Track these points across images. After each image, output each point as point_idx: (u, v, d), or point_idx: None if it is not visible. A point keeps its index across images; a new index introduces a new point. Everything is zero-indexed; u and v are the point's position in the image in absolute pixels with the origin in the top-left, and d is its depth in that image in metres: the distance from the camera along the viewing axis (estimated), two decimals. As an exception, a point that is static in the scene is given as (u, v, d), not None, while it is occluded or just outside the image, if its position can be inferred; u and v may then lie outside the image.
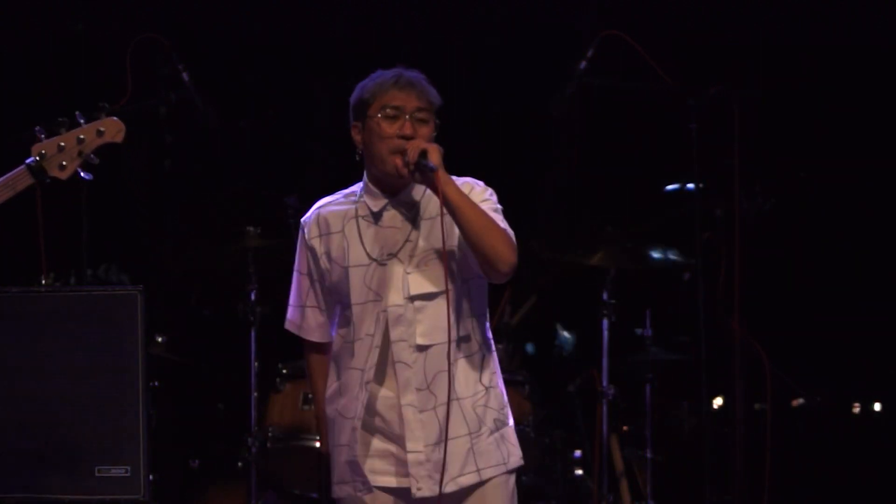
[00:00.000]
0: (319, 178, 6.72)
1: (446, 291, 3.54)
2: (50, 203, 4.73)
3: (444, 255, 3.55)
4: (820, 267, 6.71)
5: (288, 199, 5.56)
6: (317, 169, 6.90)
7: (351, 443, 3.60)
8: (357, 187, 3.71)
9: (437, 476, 3.54)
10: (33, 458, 4.09)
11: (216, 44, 6.62)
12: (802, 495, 6.34)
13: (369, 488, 3.60)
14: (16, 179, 3.37)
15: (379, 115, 3.58)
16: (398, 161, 3.54)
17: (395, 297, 3.58)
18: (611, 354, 5.94)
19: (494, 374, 3.70)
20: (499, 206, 3.63)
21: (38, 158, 3.37)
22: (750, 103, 5.27)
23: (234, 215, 6.15)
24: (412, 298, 3.58)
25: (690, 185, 5.42)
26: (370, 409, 3.60)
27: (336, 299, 3.70)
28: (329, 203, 3.73)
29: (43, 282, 4.79)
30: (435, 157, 3.49)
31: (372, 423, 3.61)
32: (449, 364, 3.55)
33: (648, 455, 6.01)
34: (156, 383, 5.65)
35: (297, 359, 4.98)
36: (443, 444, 3.54)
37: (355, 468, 3.60)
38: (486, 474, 3.62)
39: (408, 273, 3.59)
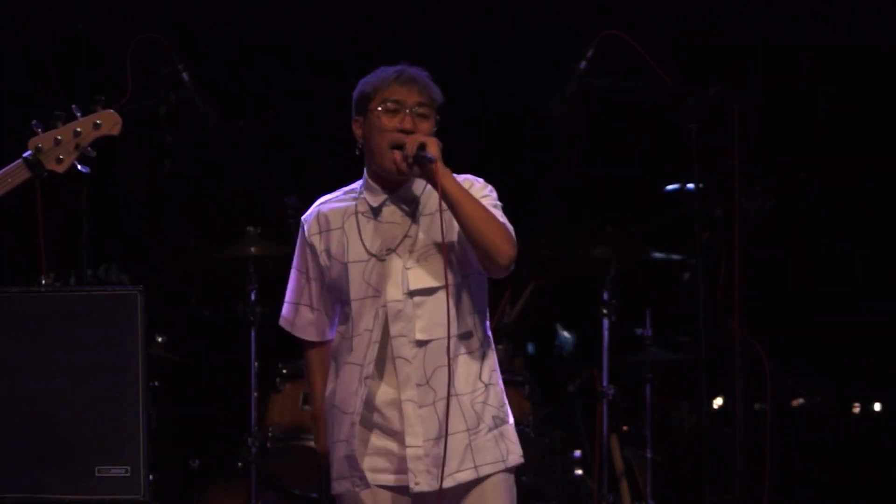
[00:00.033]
0: (319, 178, 6.72)
1: (445, 285, 3.54)
2: (50, 203, 4.74)
3: (444, 248, 3.55)
4: (820, 267, 6.71)
5: (288, 199, 5.55)
6: (317, 169, 6.91)
7: (349, 438, 3.60)
8: (358, 184, 3.71)
9: (435, 471, 3.54)
10: (33, 458, 4.08)
11: (216, 44, 6.62)
12: (802, 495, 6.34)
13: (367, 483, 3.60)
14: (13, 173, 3.36)
15: (379, 109, 3.58)
16: (397, 156, 3.54)
17: (394, 293, 3.58)
18: (611, 354, 5.94)
19: (494, 371, 3.69)
20: (499, 203, 3.63)
21: (34, 152, 3.37)
22: (750, 103, 5.27)
23: (234, 215, 6.16)
24: (412, 294, 3.58)
25: (690, 185, 5.42)
26: (369, 404, 3.60)
27: (336, 297, 3.70)
28: (329, 200, 3.73)
29: (43, 282, 4.79)
30: (434, 149, 3.49)
31: (371, 418, 3.61)
32: (448, 359, 3.55)
33: (648, 455, 6.01)
34: (156, 383, 5.65)
35: (297, 359, 4.98)
36: (441, 440, 3.54)
37: (353, 463, 3.60)
38: (483, 471, 3.61)
39: (407, 268, 3.59)
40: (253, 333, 5.75)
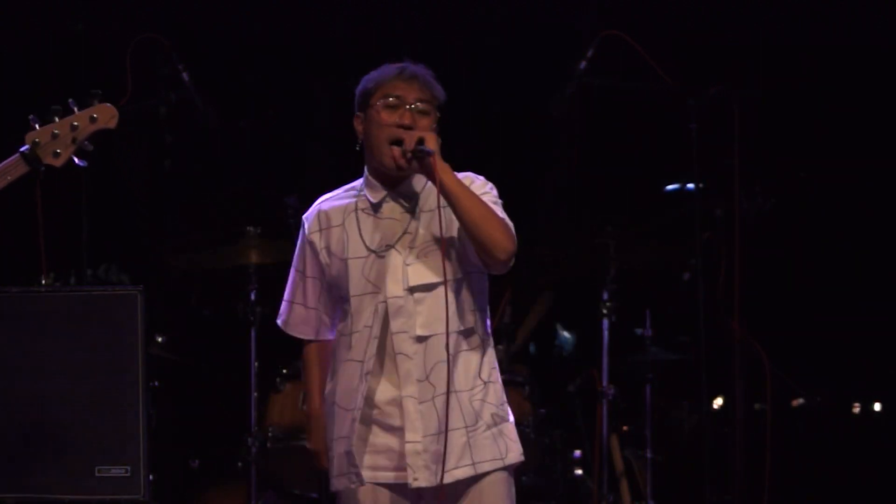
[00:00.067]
0: (319, 178, 6.71)
1: (444, 281, 3.54)
2: (50, 203, 4.73)
3: (443, 242, 3.55)
4: (820, 267, 6.71)
5: (288, 199, 5.55)
6: (317, 169, 6.91)
7: (349, 434, 3.60)
8: (358, 182, 3.71)
9: (434, 467, 3.54)
10: (33, 458, 4.09)
11: (216, 44, 6.62)
12: (802, 495, 6.34)
13: (362, 481, 3.59)
14: (10, 168, 3.36)
15: (379, 104, 3.58)
16: (395, 151, 3.54)
17: (394, 289, 3.58)
18: (611, 354, 5.94)
19: (494, 369, 3.69)
20: (499, 200, 3.63)
21: (31, 146, 3.36)
22: (750, 103, 5.28)
23: (234, 215, 6.16)
24: (412, 290, 3.58)
25: (690, 185, 5.42)
26: (369, 400, 3.60)
27: (336, 295, 3.70)
28: (330, 198, 3.74)
29: (43, 282, 4.79)
30: (432, 144, 3.49)
31: (371, 415, 3.61)
32: (448, 354, 3.55)
33: (648, 455, 6.01)
34: (156, 383, 5.65)
35: (296, 359, 4.96)
36: (440, 436, 3.54)
37: (352, 460, 3.60)
38: (481, 468, 3.60)
39: (407, 264, 3.59)
40: (253, 333, 5.75)
